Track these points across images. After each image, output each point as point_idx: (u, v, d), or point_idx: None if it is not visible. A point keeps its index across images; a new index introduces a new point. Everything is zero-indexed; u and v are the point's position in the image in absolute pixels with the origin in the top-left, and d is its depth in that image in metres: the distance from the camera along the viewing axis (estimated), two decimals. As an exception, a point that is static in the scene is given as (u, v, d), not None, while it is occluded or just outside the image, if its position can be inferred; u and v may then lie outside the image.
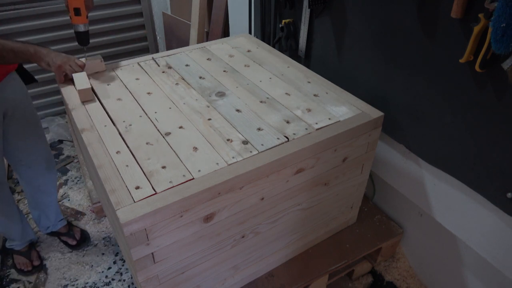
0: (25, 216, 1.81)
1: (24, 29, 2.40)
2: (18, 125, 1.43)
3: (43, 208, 1.71)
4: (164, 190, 0.94)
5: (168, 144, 1.09)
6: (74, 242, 1.81)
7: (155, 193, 0.93)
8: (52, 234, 1.84)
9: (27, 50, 1.23)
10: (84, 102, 1.26)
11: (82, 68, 1.35)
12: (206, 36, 2.46)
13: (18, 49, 1.21)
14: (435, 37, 1.09)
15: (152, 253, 0.97)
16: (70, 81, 1.35)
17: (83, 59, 1.41)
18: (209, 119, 1.19)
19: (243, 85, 1.37)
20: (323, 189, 1.28)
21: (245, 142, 1.10)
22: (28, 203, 1.72)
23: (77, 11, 1.27)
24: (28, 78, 1.47)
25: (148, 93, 1.32)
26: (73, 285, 1.68)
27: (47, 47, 1.29)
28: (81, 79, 1.29)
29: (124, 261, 1.77)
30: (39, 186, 1.62)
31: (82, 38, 1.34)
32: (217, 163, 1.02)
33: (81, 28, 1.31)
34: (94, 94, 1.31)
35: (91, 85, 1.30)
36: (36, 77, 2.58)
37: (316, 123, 1.18)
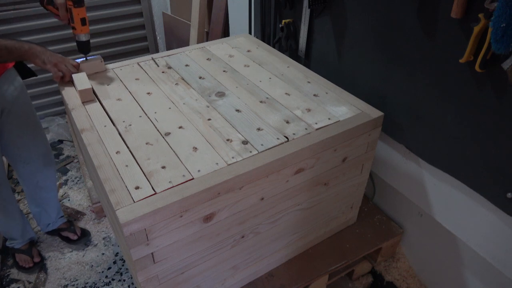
0: (25, 215, 1.81)
1: (24, 29, 2.40)
2: (15, 121, 1.43)
3: (43, 205, 1.71)
4: (164, 190, 0.94)
5: (168, 144, 1.09)
6: (75, 237, 1.81)
7: (155, 193, 0.93)
8: (53, 232, 1.84)
9: (21, 47, 1.22)
10: (84, 102, 1.26)
11: (77, 68, 1.35)
12: (206, 36, 2.46)
13: (12, 46, 1.20)
14: (435, 37, 1.09)
15: (152, 253, 0.97)
16: (70, 81, 1.35)
17: (83, 59, 1.41)
18: (209, 119, 1.19)
19: (243, 85, 1.37)
20: (323, 189, 1.28)
21: (245, 142, 1.10)
22: (28, 201, 1.72)
23: (83, 21, 1.29)
24: (25, 73, 1.46)
25: (148, 93, 1.32)
26: (73, 285, 1.68)
27: (43, 46, 1.29)
28: (81, 80, 1.29)
29: (124, 261, 1.77)
30: (38, 182, 1.62)
31: (85, 47, 1.35)
32: (217, 163, 1.02)
33: (84, 38, 1.32)
34: (94, 94, 1.31)
35: (91, 85, 1.30)
36: (36, 77, 2.58)
37: (316, 123, 1.18)
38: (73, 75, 1.31)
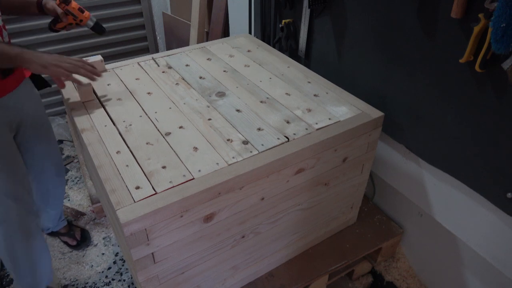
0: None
1: (24, 29, 2.40)
2: (33, 133, 1.41)
3: (48, 210, 1.70)
4: (164, 190, 0.94)
5: (168, 144, 1.09)
6: (74, 243, 1.82)
7: (155, 193, 0.93)
8: (52, 234, 1.85)
9: (10, 51, 1.07)
10: (85, 101, 1.26)
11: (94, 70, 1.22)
12: (206, 36, 2.46)
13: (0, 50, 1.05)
14: (435, 37, 1.10)
15: (152, 253, 0.97)
16: (70, 81, 1.35)
17: (83, 59, 1.41)
18: (209, 119, 1.19)
19: (243, 85, 1.37)
20: (323, 189, 1.28)
21: (245, 142, 1.10)
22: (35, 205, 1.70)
23: (81, 10, 1.33)
24: (40, 83, 1.41)
25: (148, 93, 1.32)
26: (73, 285, 1.68)
27: (37, 50, 1.18)
28: (81, 78, 1.28)
29: (124, 261, 1.77)
30: (48, 190, 1.61)
31: (99, 27, 1.39)
32: (217, 163, 1.02)
33: (92, 21, 1.37)
34: (94, 94, 1.31)
35: (91, 84, 1.30)
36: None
37: (316, 123, 1.18)
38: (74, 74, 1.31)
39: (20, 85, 1.29)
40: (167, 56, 1.57)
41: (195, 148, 1.07)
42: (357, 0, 1.32)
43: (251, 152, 1.06)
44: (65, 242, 1.83)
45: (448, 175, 1.22)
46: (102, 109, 1.24)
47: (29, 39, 2.44)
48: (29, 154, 1.46)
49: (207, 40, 2.45)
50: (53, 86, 2.68)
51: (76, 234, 1.83)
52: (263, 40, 1.86)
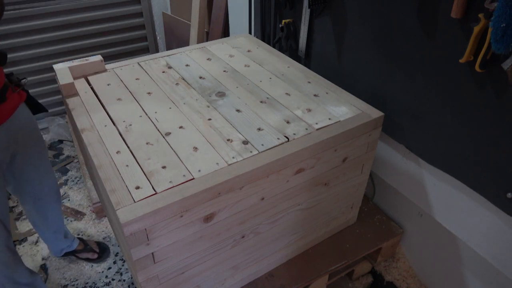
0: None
1: (24, 29, 2.40)
2: (29, 161, 1.34)
3: (51, 233, 1.63)
4: (164, 190, 0.94)
5: (168, 144, 1.09)
6: (95, 256, 1.76)
7: (155, 193, 0.93)
8: (68, 254, 1.76)
9: None
10: (67, 96, 1.26)
11: None
12: (206, 36, 2.46)
13: None
14: (435, 37, 1.10)
15: (152, 253, 0.97)
16: (72, 82, 1.35)
17: (83, 59, 1.41)
18: (209, 119, 1.19)
19: (243, 85, 1.37)
20: (323, 189, 1.28)
21: (245, 142, 1.10)
22: (38, 231, 1.64)
23: None
24: (36, 108, 1.36)
25: (148, 93, 1.32)
26: (73, 285, 1.68)
27: None
28: (63, 74, 1.28)
29: (124, 261, 1.77)
30: (47, 217, 1.55)
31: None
32: (217, 163, 1.02)
33: None
34: (95, 95, 1.31)
35: (88, 81, 1.30)
36: (36, 77, 2.56)
37: (316, 123, 1.18)
38: (56, 69, 1.30)
39: (15, 112, 1.21)
40: (167, 56, 1.57)
41: (195, 148, 1.07)
42: (357, 0, 1.32)
43: (251, 152, 1.06)
44: (86, 259, 1.76)
45: (448, 175, 1.22)
46: (102, 109, 1.24)
47: (29, 39, 2.44)
48: (26, 182, 1.39)
49: (207, 40, 2.45)
50: (52, 86, 2.67)
51: (93, 247, 1.77)
52: (263, 40, 1.86)
